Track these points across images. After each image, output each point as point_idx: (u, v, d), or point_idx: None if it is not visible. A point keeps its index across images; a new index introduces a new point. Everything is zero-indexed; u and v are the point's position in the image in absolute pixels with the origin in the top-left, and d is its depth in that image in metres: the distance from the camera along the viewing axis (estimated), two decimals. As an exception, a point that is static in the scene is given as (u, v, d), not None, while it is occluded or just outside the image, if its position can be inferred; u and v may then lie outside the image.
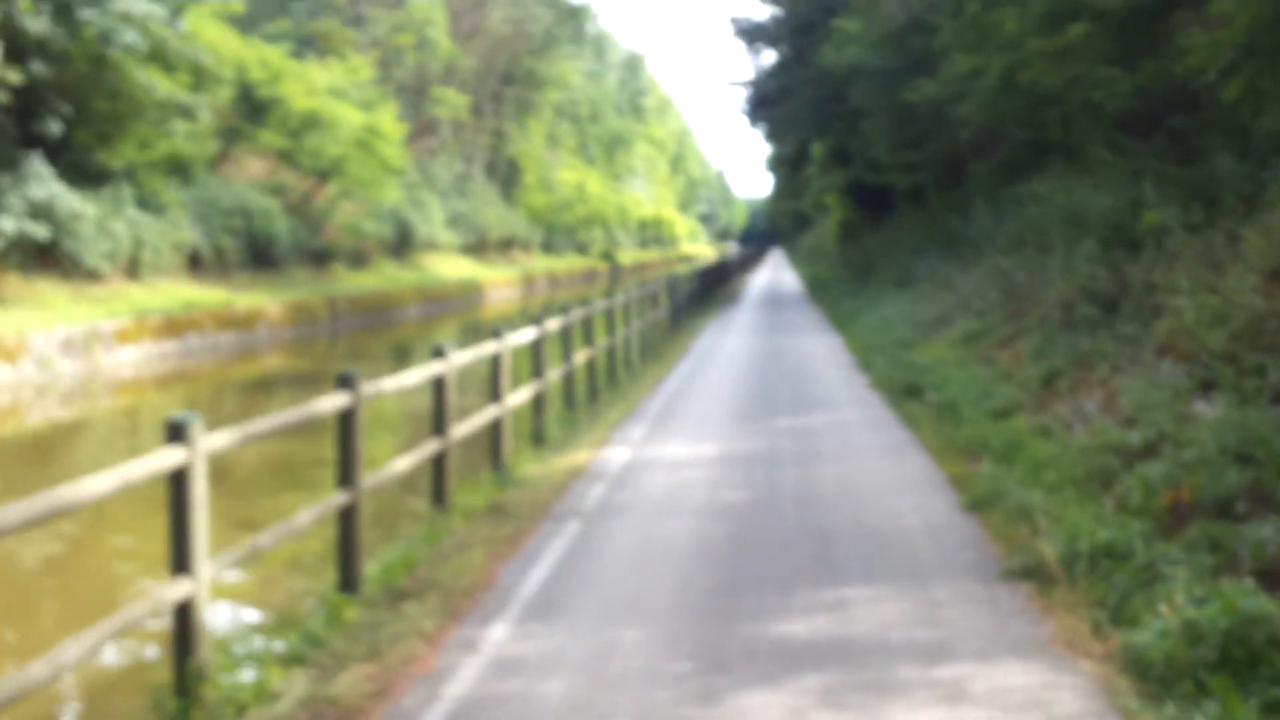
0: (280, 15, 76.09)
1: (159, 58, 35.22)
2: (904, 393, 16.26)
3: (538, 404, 14.47)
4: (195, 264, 40.61)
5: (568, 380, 17.04)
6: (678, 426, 14.89)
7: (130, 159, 37.25)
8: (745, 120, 49.70)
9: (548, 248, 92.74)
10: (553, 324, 16.35)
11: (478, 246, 74.56)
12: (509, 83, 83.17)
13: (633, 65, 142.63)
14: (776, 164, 64.05)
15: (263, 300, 40.47)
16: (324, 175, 51.23)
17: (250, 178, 49.43)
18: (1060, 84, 18.19)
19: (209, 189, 42.87)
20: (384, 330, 45.47)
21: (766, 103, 48.11)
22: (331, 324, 44.33)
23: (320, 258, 50.90)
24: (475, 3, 75.75)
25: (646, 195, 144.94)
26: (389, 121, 60.98)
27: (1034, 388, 14.04)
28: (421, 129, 70.82)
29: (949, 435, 13.11)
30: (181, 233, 38.85)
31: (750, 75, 50.71)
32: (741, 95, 49.81)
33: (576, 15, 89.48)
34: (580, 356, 18.13)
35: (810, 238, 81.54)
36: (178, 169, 39.93)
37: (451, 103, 69.28)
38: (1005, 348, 17.04)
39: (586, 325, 20.77)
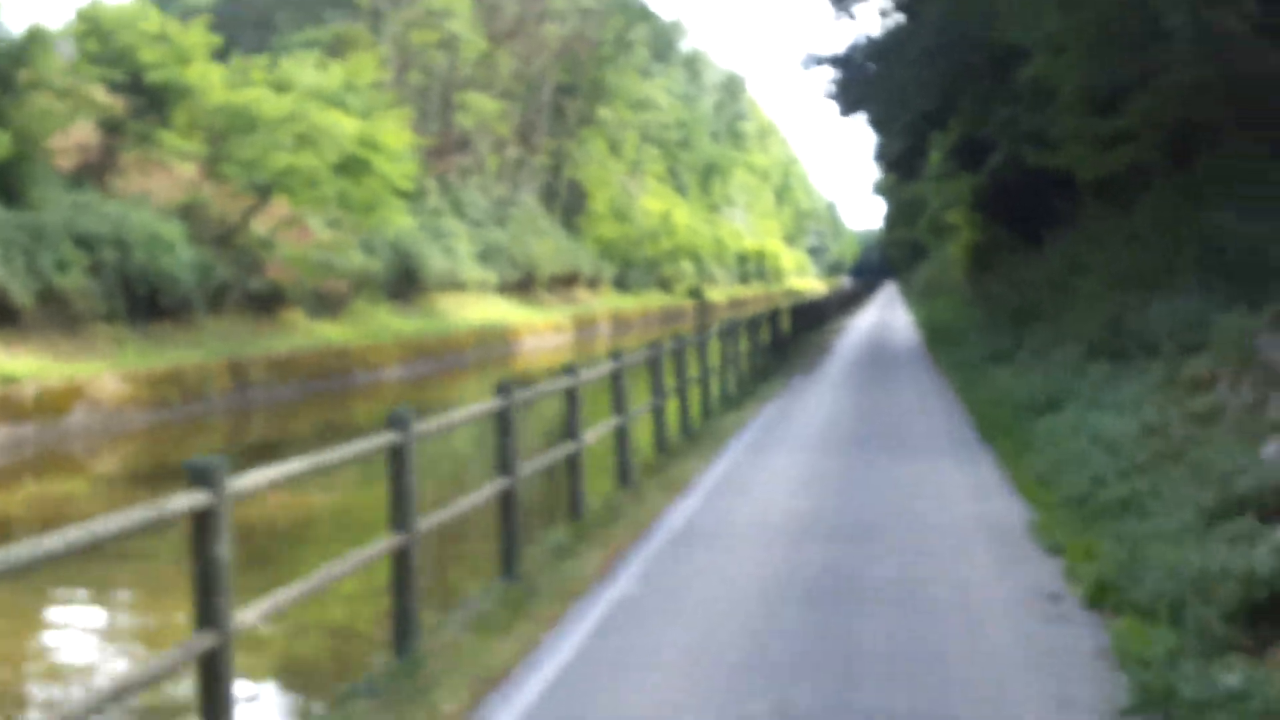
0: (309, 23, 62.72)
1: None
2: None
3: None
4: (6, 317, 26.21)
5: None
6: None
7: None
8: (836, 108, 33.98)
9: (621, 284, 77.66)
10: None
11: (523, 284, 59.75)
12: (568, 94, 68.44)
13: (731, 87, 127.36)
14: (884, 172, 48.06)
15: (92, 371, 25.84)
16: (264, 192, 36.71)
17: (167, 193, 35.19)
18: None
19: (50, 207, 28.51)
20: (327, 404, 30.80)
21: (862, 78, 32.51)
22: (235, 398, 29.61)
23: (265, 303, 36.38)
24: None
25: (747, 227, 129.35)
26: (392, 131, 46.57)
27: None
28: (452, 144, 56.36)
29: None
30: (-45, 270, 24.46)
31: (841, 49, 35.24)
32: (829, 77, 34.24)
33: (649, 18, 74.41)
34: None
35: (928, 268, 65.10)
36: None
37: (480, 109, 54.59)
38: None
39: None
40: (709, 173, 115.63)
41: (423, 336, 41.77)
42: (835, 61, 33.55)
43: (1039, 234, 26.64)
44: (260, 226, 37.69)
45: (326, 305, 39.35)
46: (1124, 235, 17.66)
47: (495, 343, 47.73)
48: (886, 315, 56.46)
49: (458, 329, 45.39)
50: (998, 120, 23.16)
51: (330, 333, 37.73)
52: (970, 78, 24.28)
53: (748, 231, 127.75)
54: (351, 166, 45.28)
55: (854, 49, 33.46)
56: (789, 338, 33.30)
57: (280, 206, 38.92)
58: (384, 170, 46.55)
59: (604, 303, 69.88)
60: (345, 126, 44.72)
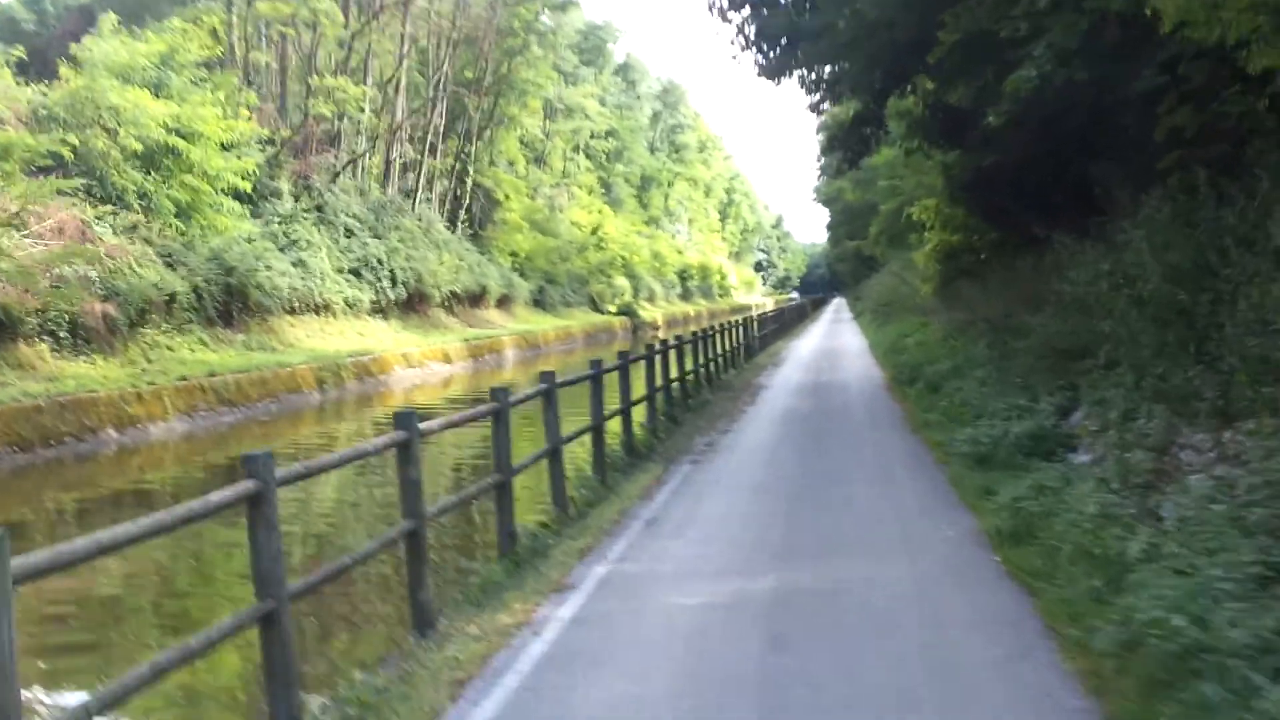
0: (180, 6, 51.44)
1: None
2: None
3: None
4: None
5: None
6: None
7: None
8: (760, 73, 22.91)
9: (541, 303, 66.37)
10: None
11: (411, 305, 48.44)
12: (472, 89, 57.07)
13: (669, 97, 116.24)
14: (827, 156, 36.78)
15: None
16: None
17: None
18: None
19: None
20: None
21: (797, 10, 21.57)
22: None
23: (-16, 335, 24.90)
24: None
25: (689, 242, 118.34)
26: (211, 116, 35.33)
27: None
28: (316, 140, 44.90)
29: None
30: None
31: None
32: (744, 21, 23.03)
33: (568, 8, 63.04)
34: None
35: (882, 283, 53.84)
36: None
37: (344, 97, 43.01)
38: None
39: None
40: (646, 185, 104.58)
41: (236, 375, 30.32)
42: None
43: (1079, 223, 15.61)
44: (-15, 232, 26.22)
45: (93, 337, 27.87)
46: None
47: (351, 379, 36.34)
48: (834, 340, 45.14)
49: (296, 363, 33.95)
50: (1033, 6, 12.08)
51: (90, 374, 26.32)
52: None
53: (690, 247, 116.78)
54: (158, 158, 34.13)
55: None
56: (694, 386, 22.17)
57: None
58: (205, 163, 35.34)
59: (516, 324, 58.56)
60: (150, 109, 33.54)
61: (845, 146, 25.21)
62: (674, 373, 19.91)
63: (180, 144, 33.72)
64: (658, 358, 18.14)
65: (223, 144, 36.04)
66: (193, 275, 32.85)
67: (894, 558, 8.28)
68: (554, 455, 11.35)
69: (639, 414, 16.73)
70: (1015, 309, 17.11)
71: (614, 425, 15.15)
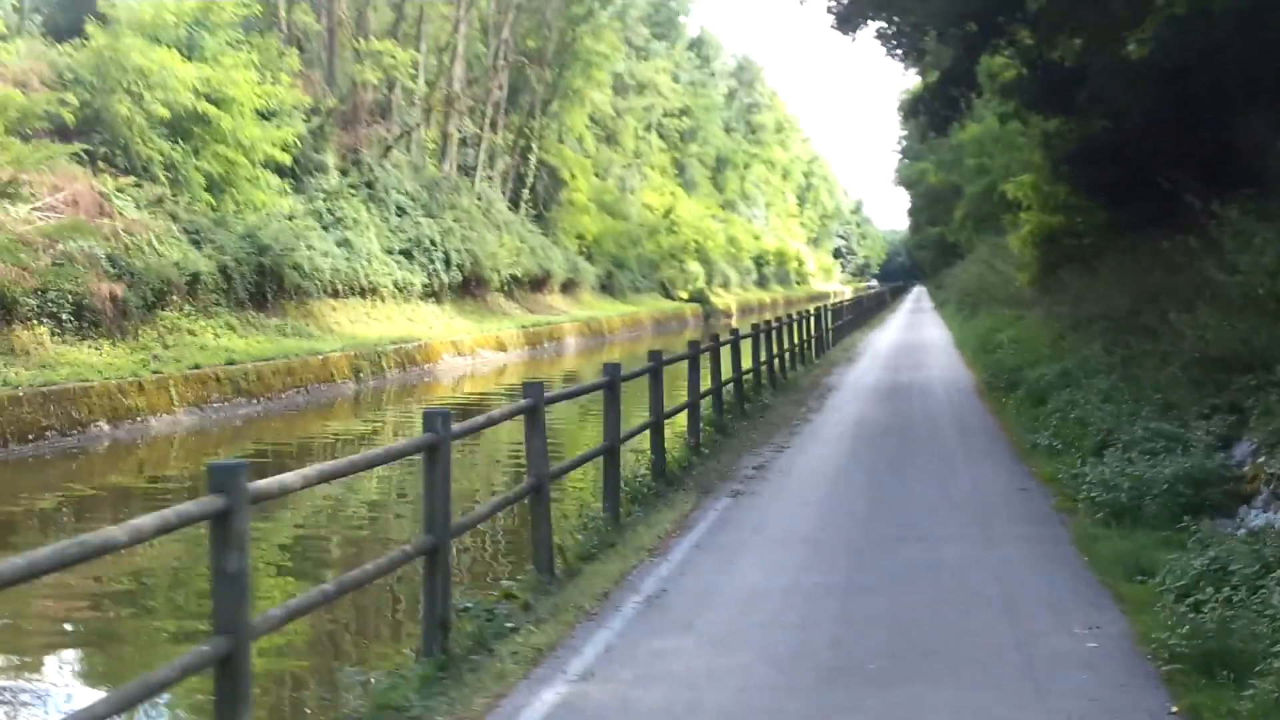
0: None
1: None
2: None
3: None
4: None
5: None
6: None
7: None
8: (825, 9, 19.69)
9: (609, 289, 63.48)
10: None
11: (468, 289, 45.84)
12: (535, 59, 54.25)
13: (745, 75, 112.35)
14: (908, 123, 33.39)
15: None
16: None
17: None
18: None
19: None
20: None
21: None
22: None
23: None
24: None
25: (765, 226, 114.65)
26: (246, 80, 32.93)
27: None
28: (365, 110, 42.33)
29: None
30: None
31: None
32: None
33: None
34: None
35: (968, 270, 49.54)
36: None
37: (395, 61, 40.20)
38: None
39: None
40: (721, 167, 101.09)
41: (259, 364, 27.82)
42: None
43: (1223, 197, 12.35)
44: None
45: (100, 320, 25.47)
46: None
47: (393, 368, 33.74)
48: (915, 333, 41.35)
49: (331, 350, 31.42)
50: None
51: (91, 361, 23.94)
52: None
53: (766, 232, 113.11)
54: (187, 126, 31.76)
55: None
56: (753, 387, 19.15)
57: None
58: (240, 132, 32.87)
59: (581, 311, 55.75)
60: (179, 71, 31.16)
61: (930, 111, 21.88)
62: (728, 372, 16.90)
63: (212, 111, 31.31)
64: (705, 356, 15.15)
65: (260, 112, 33.67)
66: (221, 254, 30.43)
67: (1010, 698, 5.23)
68: (537, 493, 8.44)
69: (680, 422, 13.84)
70: (1144, 303, 13.85)
71: (644, 440, 12.25)
